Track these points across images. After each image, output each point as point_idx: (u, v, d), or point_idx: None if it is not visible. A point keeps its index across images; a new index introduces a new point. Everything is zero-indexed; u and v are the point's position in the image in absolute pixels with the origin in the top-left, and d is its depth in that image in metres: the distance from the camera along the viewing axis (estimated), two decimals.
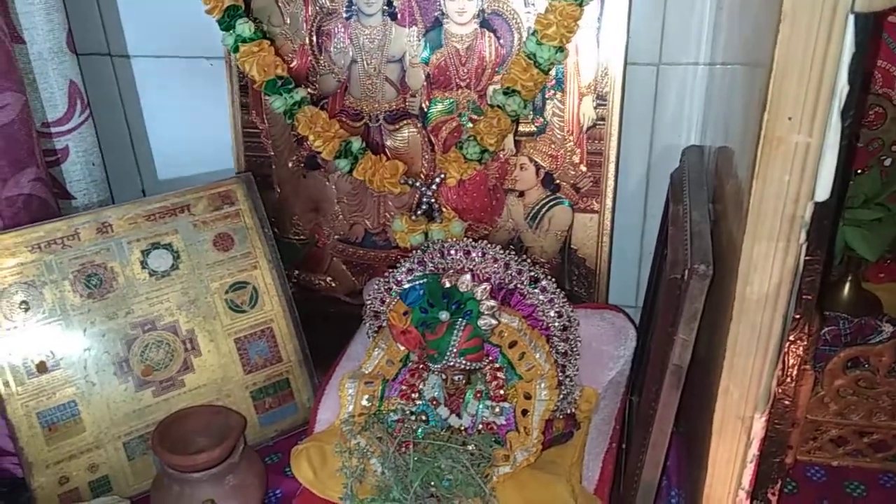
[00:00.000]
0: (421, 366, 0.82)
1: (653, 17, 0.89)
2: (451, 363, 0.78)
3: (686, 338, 0.63)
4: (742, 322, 0.58)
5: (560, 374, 0.80)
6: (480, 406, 0.79)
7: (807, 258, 0.56)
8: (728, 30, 0.78)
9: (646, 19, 0.88)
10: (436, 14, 0.90)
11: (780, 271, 0.56)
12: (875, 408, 0.78)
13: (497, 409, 0.79)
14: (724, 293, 0.60)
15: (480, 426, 0.79)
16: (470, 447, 0.76)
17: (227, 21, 0.91)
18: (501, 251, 0.82)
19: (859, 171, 0.88)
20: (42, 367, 0.82)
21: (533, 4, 0.87)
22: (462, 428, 0.80)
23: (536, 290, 0.81)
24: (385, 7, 0.91)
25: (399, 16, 0.91)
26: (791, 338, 0.60)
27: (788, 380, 0.63)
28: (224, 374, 0.89)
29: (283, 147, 1.00)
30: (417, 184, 0.95)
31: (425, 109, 0.94)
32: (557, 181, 0.93)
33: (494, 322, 0.78)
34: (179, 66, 1.03)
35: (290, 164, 1.01)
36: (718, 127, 0.78)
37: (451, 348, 0.77)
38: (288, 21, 0.95)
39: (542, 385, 0.78)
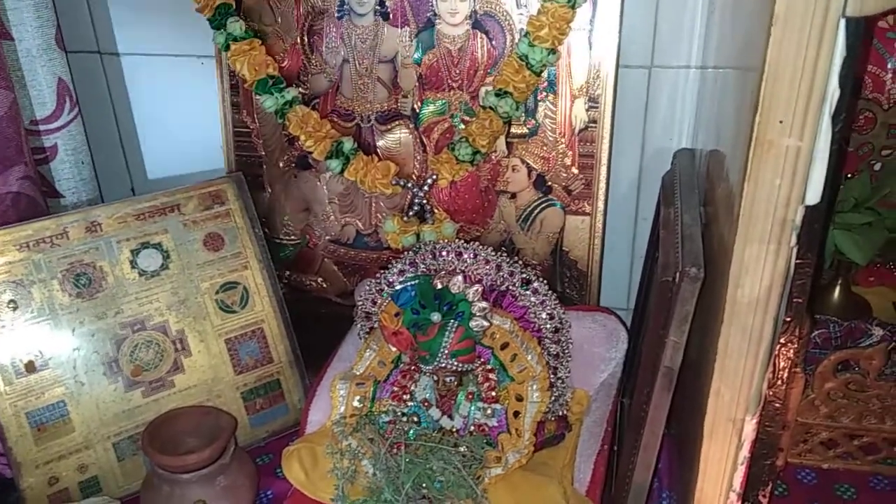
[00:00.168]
0: (412, 367, 0.82)
1: (645, 20, 0.89)
2: (443, 365, 0.77)
3: (677, 340, 0.63)
4: (733, 325, 0.58)
5: (552, 375, 0.80)
6: (472, 408, 0.79)
7: (797, 261, 0.56)
8: (720, 33, 0.79)
9: (638, 22, 0.89)
10: (428, 15, 0.90)
11: (771, 274, 0.56)
12: (865, 411, 0.78)
13: (489, 411, 0.79)
14: (716, 296, 0.60)
15: (472, 428, 0.79)
16: (462, 449, 0.76)
17: (218, 19, 0.91)
18: (493, 253, 0.82)
19: (849, 176, 0.89)
20: (31, 367, 0.81)
21: (525, 6, 0.87)
22: (454, 429, 0.79)
23: (528, 292, 0.81)
24: (377, 7, 0.91)
25: (391, 16, 0.91)
26: (782, 340, 0.61)
27: (779, 382, 0.63)
28: (214, 374, 0.89)
29: (274, 147, 0.99)
30: (409, 185, 0.95)
31: (417, 110, 0.94)
32: (549, 183, 0.93)
33: (486, 324, 0.78)
34: (170, 65, 1.03)
35: (281, 164, 1.00)
36: (710, 130, 0.78)
37: (442, 350, 0.77)
38: (279, 20, 0.94)
39: (534, 387, 0.78)
